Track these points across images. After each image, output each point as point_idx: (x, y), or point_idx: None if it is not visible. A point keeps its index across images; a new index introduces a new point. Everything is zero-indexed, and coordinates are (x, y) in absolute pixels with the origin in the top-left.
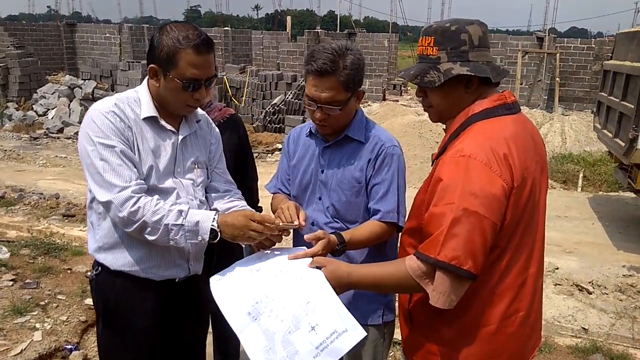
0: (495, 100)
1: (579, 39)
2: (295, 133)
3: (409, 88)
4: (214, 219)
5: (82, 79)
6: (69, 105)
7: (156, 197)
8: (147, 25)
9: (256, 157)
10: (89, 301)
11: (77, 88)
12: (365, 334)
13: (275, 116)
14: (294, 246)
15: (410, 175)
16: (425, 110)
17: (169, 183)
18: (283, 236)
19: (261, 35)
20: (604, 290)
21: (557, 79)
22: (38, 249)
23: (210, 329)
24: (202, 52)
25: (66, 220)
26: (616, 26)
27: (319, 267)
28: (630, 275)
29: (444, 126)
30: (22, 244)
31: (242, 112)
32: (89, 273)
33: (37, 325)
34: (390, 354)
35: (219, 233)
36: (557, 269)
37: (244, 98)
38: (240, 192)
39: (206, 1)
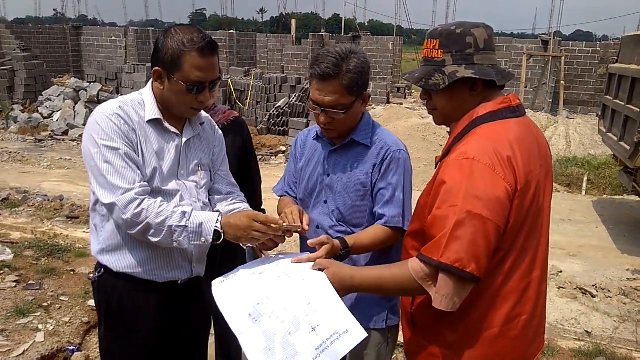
0: (500, 103)
1: (584, 42)
2: (302, 136)
3: (413, 91)
4: (217, 220)
5: (87, 82)
6: (74, 107)
7: (159, 199)
8: (153, 29)
9: (260, 159)
10: (92, 303)
11: (82, 91)
12: (366, 335)
13: (279, 119)
14: (301, 252)
15: (414, 178)
16: (429, 113)
17: (172, 185)
18: (287, 238)
19: (266, 39)
20: (608, 294)
21: (562, 82)
22: (41, 251)
23: (212, 331)
24: (206, 55)
25: (70, 222)
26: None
27: (321, 270)
28: (634, 279)
29: (448, 129)
30: (26, 245)
31: (246, 114)
32: (92, 275)
33: (40, 327)
34: (393, 357)
35: (222, 234)
36: (561, 272)
37: (248, 101)
38: (243, 195)
39: (212, 4)
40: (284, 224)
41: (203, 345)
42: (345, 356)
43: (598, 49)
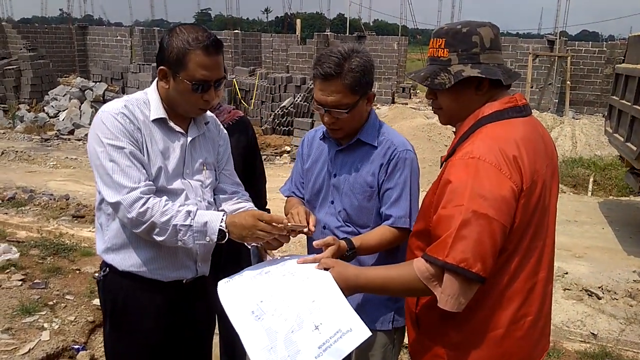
0: (505, 103)
1: (590, 42)
2: (309, 136)
3: (418, 91)
4: (222, 219)
5: (93, 81)
6: (80, 107)
7: (165, 198)
8: (158, 28)
9: (265, 159)
10: (97, 302)
11: (88, 90)
12: (370, 333)
13: (284, 119)
14: (308, 254)
15: (420, 178)
16: (435, 112)
17: (177, 184)
18: (292, 238)
19: (271, 38)
20: (614, 296)
21: (567, 82)
22: (47, 250)
23: (217, 331)
24: (211, 53)
25: (76, 221)
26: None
27: (326, 269)
28: None
29: (454, 129)
30: (32, 244)
31: (251, 114)
32: (97, 274)
33: (45, 325)
34: (399, 359)
35: (227, 234)
36: (567, 273)
37: (253, 101)
38: (248, 194)
39: (217, 4)
40: (289, 224)
41: (208, 345)
42: (352, 358)
43: (604, 49)
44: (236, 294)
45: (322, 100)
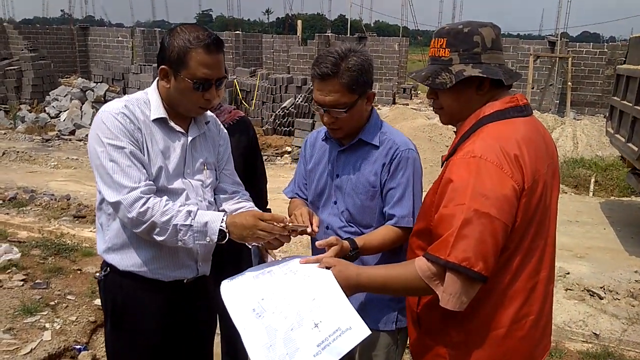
0: (506, 103)
1: (591, 43)
2: (312, 137)
3: (419, 92)
4: (222, 219)
5: (94, 82)
6: (81, 107)
7: (165, 197)
8: (159, 29)
9: (265, 160)
10: (98, 302)
11: (89, 91)
12: (370, 332)
13: (285, 119)
14: (312, 255)
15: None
16: (436, 112)
17: (178, 184)
18: (293, 239)
19: (272, 39)
20: (616, 296)
21: (569, 83)
22: (48, 250)
23: (218, 330)
24: (212, 52)
25: (77, 222)
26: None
27: (328, 268)
28: None
29: (455, 129)
30: (33, 244)
31: (252, 115)
32: (98, 274)
33: (47, 325)
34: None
35: (227, 234)
36: (568, 273)
37: (254, 101)
38: (249, 194)
39: (218, 5)
40: (289, 223)
41: (209, 344)
42: (354, 358)
43: (605, 50)
44: (238, 292)
45: (321, 100)
